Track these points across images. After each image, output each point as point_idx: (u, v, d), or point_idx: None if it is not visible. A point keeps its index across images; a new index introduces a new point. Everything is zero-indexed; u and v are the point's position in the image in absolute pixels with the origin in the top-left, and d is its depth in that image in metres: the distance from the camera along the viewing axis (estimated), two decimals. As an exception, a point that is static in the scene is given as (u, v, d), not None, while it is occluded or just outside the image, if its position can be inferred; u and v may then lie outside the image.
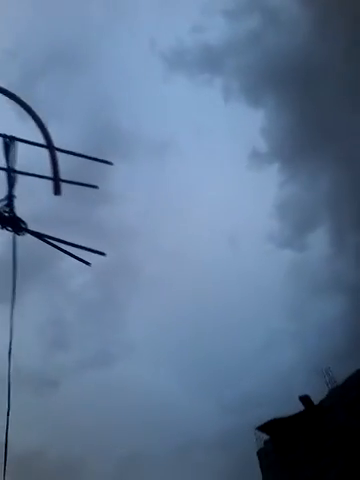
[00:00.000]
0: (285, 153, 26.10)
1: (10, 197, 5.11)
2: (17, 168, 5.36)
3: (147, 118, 27.30)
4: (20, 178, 5.33)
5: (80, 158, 5.98)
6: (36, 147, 5.65)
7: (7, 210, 4.99)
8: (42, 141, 5.63)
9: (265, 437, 18.52)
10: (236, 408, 22.61)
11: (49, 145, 5.70)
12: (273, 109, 26.81)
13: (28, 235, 5.38)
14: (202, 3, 27.54)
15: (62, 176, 5.74)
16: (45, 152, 5.52)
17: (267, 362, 24.02)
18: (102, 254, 5.85)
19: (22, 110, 5.62)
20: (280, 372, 22.35)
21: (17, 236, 5.06)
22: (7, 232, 5.19)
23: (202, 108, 28.43)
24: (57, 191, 5.83)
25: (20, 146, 5.34)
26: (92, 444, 20.97)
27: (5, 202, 5.02)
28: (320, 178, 25.44)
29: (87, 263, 5.70)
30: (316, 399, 16.42)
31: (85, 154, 6.14)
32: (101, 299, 26.79)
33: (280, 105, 26.54)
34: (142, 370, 23.80)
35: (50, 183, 5.74)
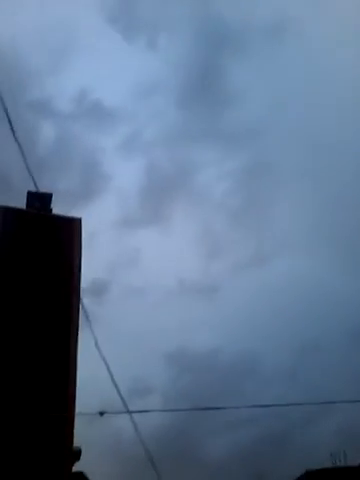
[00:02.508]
0: None
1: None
2: None
3: (253, 2, 25.04)
4: None
5: None
6: None
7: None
8: None
9: None
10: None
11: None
12: None
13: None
14: None
15: None
16: None
17: None
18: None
19: None
20: None
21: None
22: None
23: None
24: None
25: None
26: (264, 338, 21.34)
27: None
28: None
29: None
30: None
31: None
32: (245, 203, 26.35)
33: None
34: (300, 264, 23.18)
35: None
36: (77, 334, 8.33)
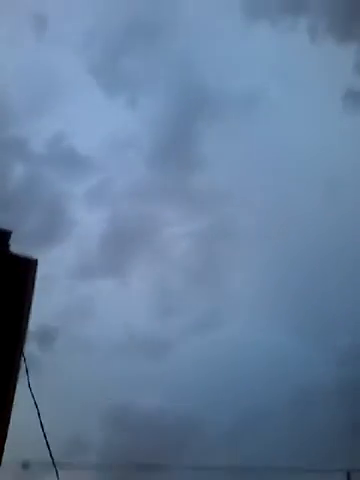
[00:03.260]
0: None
1: None
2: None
3: (232, 73, 26.76)
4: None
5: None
6: None
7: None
8: None
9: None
10: (354, 357, 21.66)
11: None
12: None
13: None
14: None
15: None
16: None
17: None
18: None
19: None
20: None
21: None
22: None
23: (288, 54, 27.39)
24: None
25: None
26: (211, 401, 21.25)
27: None
28: None
29: None
30: None
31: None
32: (204, 264, 26.68)
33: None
34: (252, 327, 23.54)
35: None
36: (16, 378, 8.04)
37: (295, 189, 24.83)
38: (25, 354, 6.94)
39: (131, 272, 27.63)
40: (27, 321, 8.87)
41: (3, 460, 6.64)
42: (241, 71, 27.31)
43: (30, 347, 7.30)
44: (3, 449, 7.44)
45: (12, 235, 9.47)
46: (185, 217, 27.25)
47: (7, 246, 9.15)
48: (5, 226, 7.36)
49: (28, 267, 8.86)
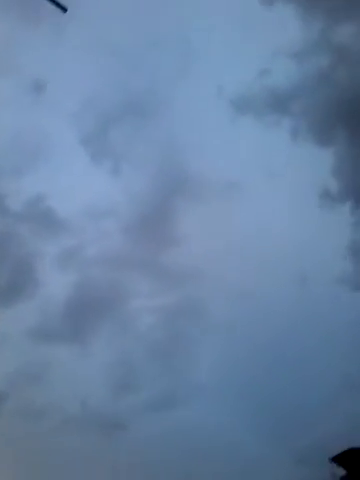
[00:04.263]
0: (358, 192, 25.91)
1: None
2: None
3: (216, 160, 27.96)
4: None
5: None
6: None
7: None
8: None
9: (341, 472, 16.73)
10: (310, 458, 21.22)
11: None
12: (343, 148, 26.94)
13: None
14: (268, 48, 28.54)
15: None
16: None
17: (342, 408, 22.77)
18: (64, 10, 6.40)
19: None
20: (357, 418, 21.10)
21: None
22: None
23: (270, 149, 28.85)
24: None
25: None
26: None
27: None
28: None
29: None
30: None
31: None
32: (169, 340, 26.28)
33: (351, 143, 26.72)
34: (209, 414, 23.04)
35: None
36: None
37: (266, 278, 25.29)
38: None
39: (92, 341, 26.89)
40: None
41: None
42: (224, 159, 28.46)
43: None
44: None
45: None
46: (155, 291, 27.15)
47: None
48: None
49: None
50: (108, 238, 28.34)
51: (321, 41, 28.15)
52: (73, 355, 25.24)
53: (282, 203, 28.40)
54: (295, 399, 23.81)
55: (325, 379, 23.85)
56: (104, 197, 28.56)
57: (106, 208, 28.42)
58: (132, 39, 30.32)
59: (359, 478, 15.42)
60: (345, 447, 16.24)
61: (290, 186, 28.50)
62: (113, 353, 27.53)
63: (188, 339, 26.55)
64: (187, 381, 26.07)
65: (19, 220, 26.64)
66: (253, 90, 28.88)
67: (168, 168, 28.65)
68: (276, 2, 28.39)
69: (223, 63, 29.67)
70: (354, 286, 25.42)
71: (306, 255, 26.41)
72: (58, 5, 11.34)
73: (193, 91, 29.86)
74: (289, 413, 23.24)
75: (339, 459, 15.89)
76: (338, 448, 17.27)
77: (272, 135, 29.10)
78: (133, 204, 28.35)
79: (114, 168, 29.33)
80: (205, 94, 30.10)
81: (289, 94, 28.50)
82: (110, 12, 30.65)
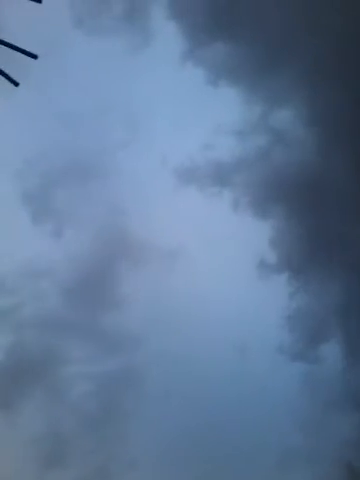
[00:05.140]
0: (294, 263, 27.06)
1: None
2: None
3: (158, 227, 28.40)
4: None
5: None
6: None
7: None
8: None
9: None
10: None
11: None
12: (281, 221, 28.37)
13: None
14: (212, 124, 30.24)
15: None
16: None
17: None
18: (34, 57, 6.51)
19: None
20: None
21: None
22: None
23: (212, 219, 29.80)
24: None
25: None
26: None
27: None
28: (330, 288, 26.18)
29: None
30: None
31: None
32: (103, 411, 25.04)
33: (288, 217, 28.20)
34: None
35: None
36: None
37: (206, 346, 25.14)
38: None
39: (20, 409, 25.18)
40: None
41: None
42: (167, 226, 28.93)
43: None
44: None
45: None
46: (91, 357, 26.13)
47: None
48: None
49: None
50: (45, 299, 27.38)
51: (260, 123, 30.23)
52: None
53: (222, 272, 28.97)
54: (233, 474, 23.13)
55: (264, 453, 23.50)
56: (43, 257, 27.89)
57: (44, 268, 27.67)
58: (81, 106, 30.93)
59: None
60: None
61: (230, 256, 29.26)
62: (41, 422, 25.80)
63: (123, 410, 25.44)
64: (120, 455, 24.74)
65: None
66: (196, 162, 30.13)
67: (110, 231, 28.61)
68: (221, 84, 30.38)
69: (169, 135, 30.82)
70: (292, 356, 25.82)
71: (245, 324, 26.71)
72: (9, 79, 11.57)
73: (138, 159, 30.61)
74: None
75: None
76: None
77: (213, 206, 30.15)
78: (73, 265, 27.81)
79: (55, 228, 28.91)
80: (150, 163, 30.91)
81: (230, 168, 29.96)
82: (61, 79, 31.37)
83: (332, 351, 24.94)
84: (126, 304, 27.19)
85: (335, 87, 25.36)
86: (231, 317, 26.73)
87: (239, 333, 26.58)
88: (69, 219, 28.89)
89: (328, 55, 25.38)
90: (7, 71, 12.88)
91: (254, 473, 22.54)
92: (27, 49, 9.97)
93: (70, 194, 29.64)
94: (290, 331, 26.10)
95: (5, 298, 26.34)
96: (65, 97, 30.18)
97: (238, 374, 24.93)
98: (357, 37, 24.09)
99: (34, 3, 9.39)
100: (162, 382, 25.56)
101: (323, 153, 26.83)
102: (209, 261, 28.59)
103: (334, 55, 25.11)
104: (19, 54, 10.53)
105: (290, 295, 26.45)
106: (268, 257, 27.77)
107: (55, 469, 23.28)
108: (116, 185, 30.16)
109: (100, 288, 27.30)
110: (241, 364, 25.72)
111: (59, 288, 27.35)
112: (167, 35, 30.24)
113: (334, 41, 24.92)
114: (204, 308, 27.26)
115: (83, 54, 31.37)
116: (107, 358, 26.80)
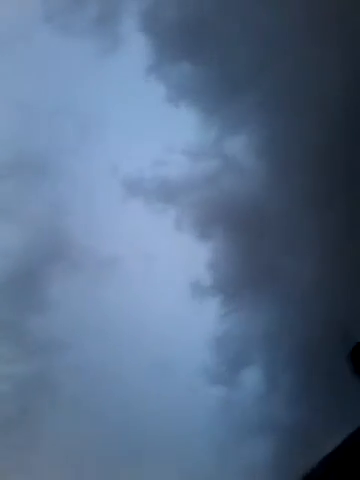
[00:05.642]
0: (228, 287, 27.47)
1: None
2: None
3: (100, 233, 28.19)
4: None
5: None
6: None
7: None
8: None
9: None
10: None
11: None
12: (220, 245, 28.82)
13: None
14: (167, 142, 30.55)
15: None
16: None
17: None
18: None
19: None
20: None
21: None
22: None
23: (153, 234, 29.91)
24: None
25: None
26: None
27: None
28: (259, 315, 26.66)
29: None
30: None
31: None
32: (16, 413, 24.20)
33: (227, 242, 28.69)
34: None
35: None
36: None
37: (129, 361, 24.90)
38: None
39: None
40: None
41: None
42: (108, 234, 28.72)
43: None
44: None
45: None
46: (11, 357, 25.28)
47: None
48: None
49: None
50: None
51: (213, 147, 30.68)
52: None
53: (156, 288, 28.89)
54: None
55: (174, 468, 23.15)
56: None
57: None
58: (36, 101, 30.43)
59: None
60: None
61: (166, 273, 29.26)
62: None
63: (36, 413, 24.63)
64: (27, 461, 23.86)
65: None
66: (146, 176, 30.17)
67: (49, 232, 28.03)
68: (180, 104, 30.70)
69: (122, 144, 30.79)
70: (212, 379, 25.86)
71: (172, 342, 26.61)
72: None
73: (88, 164, 30.35)
74: None
75: None
76: None
77: (157, 222, 30.16)
78: (3, 261, 26.97)
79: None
80: (99, 169, 30.71)
81: (178, 187, 30.17)
82: (20, 71, 30.84)
83: (252, 376, 25.20)
84: (54, 308, 26.58)
85: (288, 118, 26.14)
86: (159, 334, 26.58)
87: (164, 350, 26.42)
88: (7, 214, 28.07)
89: (283, 86, 26.23)
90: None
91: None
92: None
93: (12, 189, 28.89)
94: (216, 353, 26.20)
95: None
96: (21, 90, 29.60)
97: (154, 391, 24.75)
98: (313, 70, 24.94)
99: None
100: (75, 391, 25.04)
101: (269, 184, 27.44)
102: (144, 276, 28.47)
103: (289, 87, 25.96)
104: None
105: (220, 317, 26.70)
106: (203, 278, 28.00)
107: None
108: (62, 187, 29.69)
109: (29, 288, 26.57)
110: (159, 382, 25.53)
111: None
112: (136, 46, 30.29)
113: (290, 73, 25.74)
114: (132, 322, 26.99)
115: (48, 50, 30.97)
116: (27, 359, 25.99)
